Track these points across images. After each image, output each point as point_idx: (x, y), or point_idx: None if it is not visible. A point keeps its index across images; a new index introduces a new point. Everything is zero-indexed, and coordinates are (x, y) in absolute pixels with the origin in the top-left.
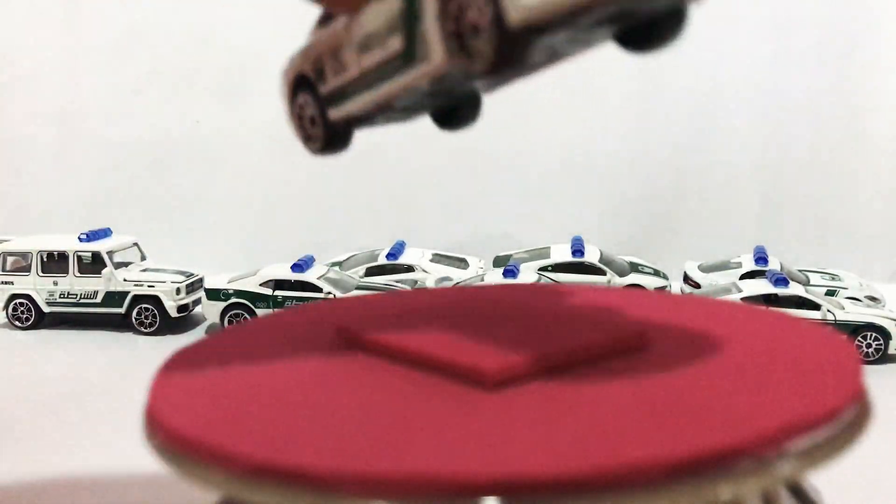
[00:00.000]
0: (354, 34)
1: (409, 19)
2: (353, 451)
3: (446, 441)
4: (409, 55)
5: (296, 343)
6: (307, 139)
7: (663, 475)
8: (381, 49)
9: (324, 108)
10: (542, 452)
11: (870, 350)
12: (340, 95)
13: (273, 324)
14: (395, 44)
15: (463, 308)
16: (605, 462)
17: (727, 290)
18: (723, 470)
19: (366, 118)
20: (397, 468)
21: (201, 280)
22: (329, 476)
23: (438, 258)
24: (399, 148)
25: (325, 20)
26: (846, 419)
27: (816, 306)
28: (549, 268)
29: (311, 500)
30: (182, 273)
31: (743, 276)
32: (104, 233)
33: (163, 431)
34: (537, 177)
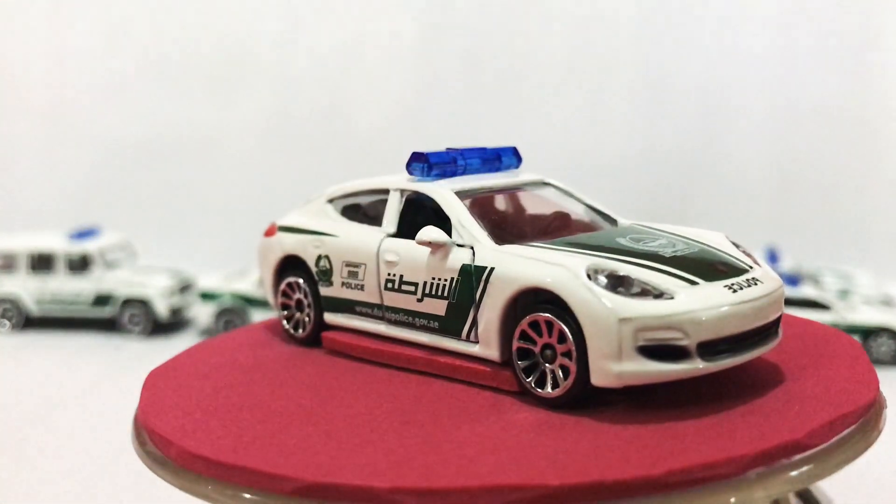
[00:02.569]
0: (382, 263)
1: (463, 296)
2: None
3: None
4: (449, 328)
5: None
6: (294, 327)
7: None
8: (415, 299)
9: (320, 309)
10: (556, 463)
11: (882, 353)
12: (346, 308)
13: (254, 331)
14: (436, 307)
15: None
16: (614, 473)
17: None
18: (730, 479)
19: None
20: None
21: (194, 281)
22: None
23: None
24: (399, 144)
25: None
26: (854, 429)
27: (827, 307)
28: None
29: None
30: (175, 274)
31: None
32: (93, 231)
33: (155, 438)
34: (544, 175)
